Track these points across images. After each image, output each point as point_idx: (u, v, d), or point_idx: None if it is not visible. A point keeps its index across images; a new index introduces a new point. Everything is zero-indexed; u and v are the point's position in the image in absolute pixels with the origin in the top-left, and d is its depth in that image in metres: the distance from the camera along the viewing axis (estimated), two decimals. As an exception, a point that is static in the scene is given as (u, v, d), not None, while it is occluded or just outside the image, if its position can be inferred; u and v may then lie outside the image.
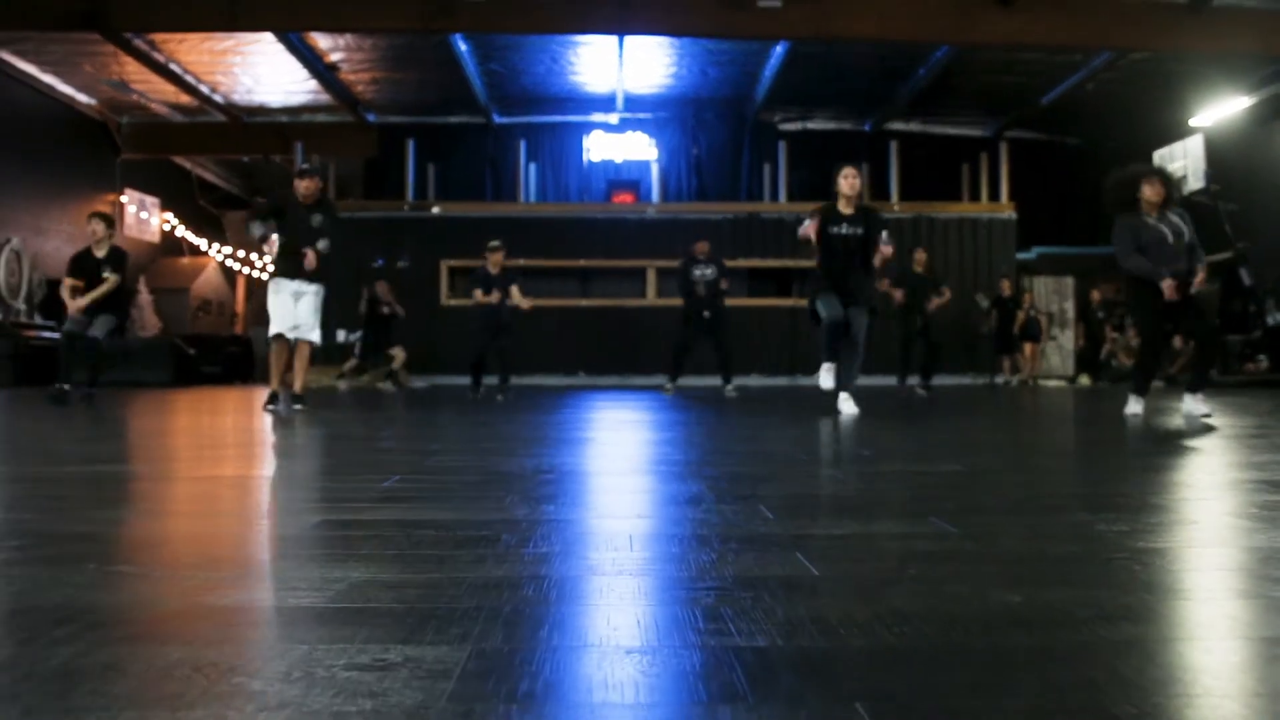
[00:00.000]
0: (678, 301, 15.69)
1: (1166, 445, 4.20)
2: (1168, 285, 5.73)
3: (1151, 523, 2.11)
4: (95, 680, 1.03)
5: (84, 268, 8.27)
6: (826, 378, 6.41)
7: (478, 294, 9.92)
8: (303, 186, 6.79)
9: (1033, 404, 8.73)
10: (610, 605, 1.37)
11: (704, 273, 10.73)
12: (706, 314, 10.58)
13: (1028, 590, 1.46)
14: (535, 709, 0.94)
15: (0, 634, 1.22)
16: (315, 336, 6.85)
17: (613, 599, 1.40)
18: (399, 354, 13.68)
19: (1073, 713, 0.95)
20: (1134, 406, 6.01)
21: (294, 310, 6.73)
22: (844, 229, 6.45)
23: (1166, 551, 1.80)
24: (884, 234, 6.49)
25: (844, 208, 6.50)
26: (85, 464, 3.43)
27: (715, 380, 10.98)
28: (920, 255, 11.82)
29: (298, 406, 6.66)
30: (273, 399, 6.74)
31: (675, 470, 3.10)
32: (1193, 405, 5.76)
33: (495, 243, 10.21)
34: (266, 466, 3.42)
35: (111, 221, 8.65)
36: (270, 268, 7.08)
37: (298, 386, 6.89)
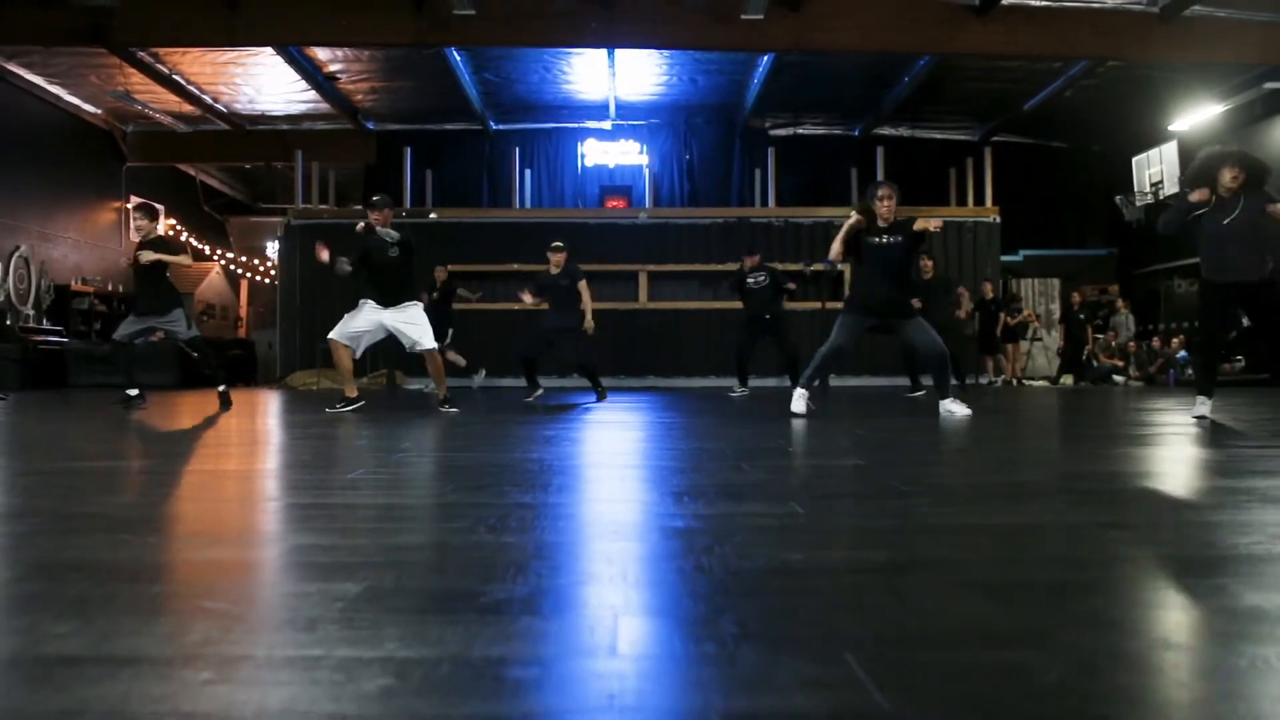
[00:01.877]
0: (672, 304, 16.28)
1: (1077, 441, 4.63)
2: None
3: (974, 506, 2.55)
4: (99, 603, 1.48)
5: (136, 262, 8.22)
6: (799, 403, 6.53)
7: (526, 297, 9.74)
8: (375, 218, 7.27)
9: (1004, 403, 9.15)
10: (485, 560, 1.81)
11: (757, 279, 11.14)
12: (767, 317, 11.03)
13: (811, 551, 1.90)
14: (395, 616, 1.38)
15: (30, 577, 1.67)
16: (429, 343, 7.24)
17: (490, 556, 1.84)
18: (458, 356, 13.65)
19: (782, 620, 1.39)
20: (1200, 409, 5.96)
21: (377, 329, 7.21)
22: (883, 239, 6.54)
23: (958, 527, 2.23)
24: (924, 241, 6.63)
25: (881, 222, 6.59)
26: (95, 460, 3.88)
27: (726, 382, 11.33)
28: (927, 263, 11.92)
29: (445, 408, 7.16)
30: (347, 402, 7.19)
31: (607, 465, 3.54)
32: None
33: (558, 243, 9.86)
34: (253, 462, 3.87)
35: (153, 213, 8.61)
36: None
37: (441, 393, 7.40)
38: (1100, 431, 5.27)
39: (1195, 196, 5.93)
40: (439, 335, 13.32)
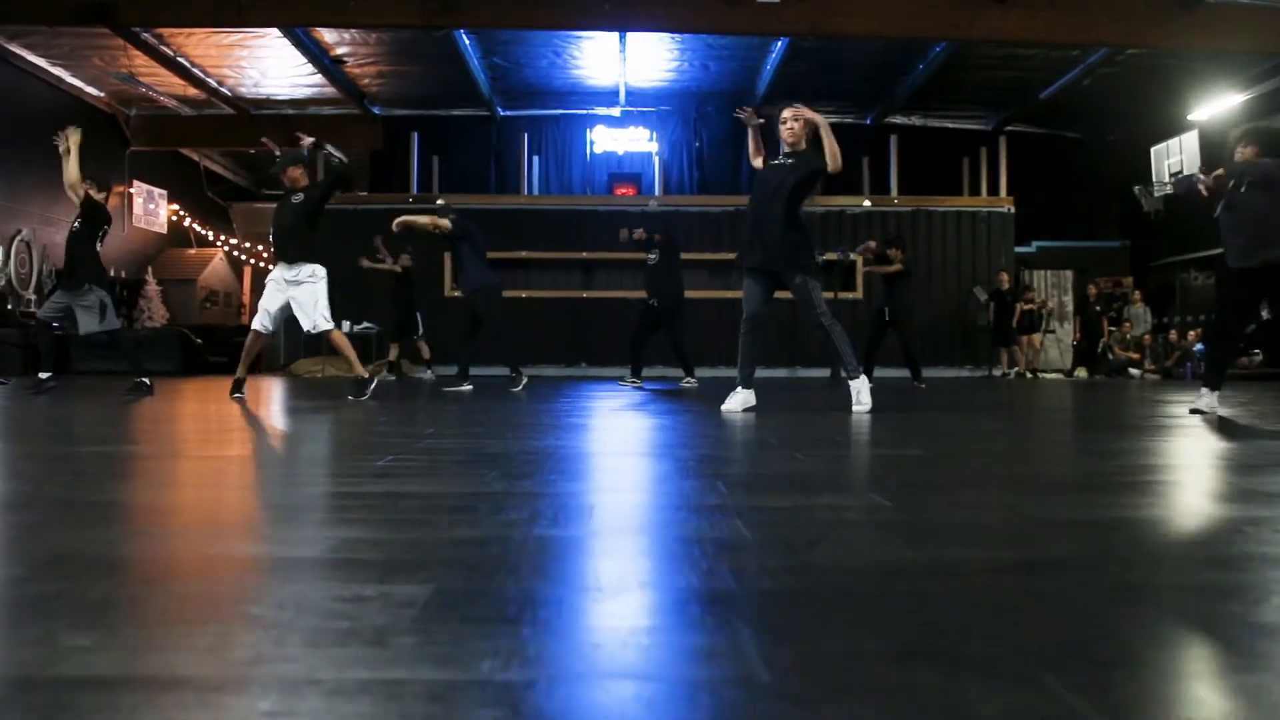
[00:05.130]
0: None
1: (1128, 432, 4.41)
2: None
3: (1071, 500, 2.33)
4: (123, 608, 1.25)
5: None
6: (733, 400, 5.68)
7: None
8: (284, 180, 7.07)
9: (1023, 396, 8.93)
10: (564, 558, 1.59)
11: (649, 257, 10.07)
12: (654, 303, 9.95)
13: (929, 550, 1.68)
14: (481, 629, 1.16)
15: (41, 576, 1.45)
16: (324, 325, 6.77)
17: (568, 554, 1.63)
18: (394, 351, 13.71)
19: (920, 636, 1.17)
20: (1202, 401, 5.59)
21: (281, 303, 6.80)
22: (772, 165, 5.78)
23: (1074, 523, 2.01)
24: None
25: (786, 146, 5.78)
26: (103, 444, 3.66)
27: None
28: (893, 252, 11.37)
29: (351, 397, 6.74)
30: (236, 386, 6.87)
31: (649, 452, 3.32)
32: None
33: (441, 202, 9.42)
34: (271, 448, 3.65)
35: (101, 182, 7.82)
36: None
37: (357, 371, 6.91)
38: (1138, 424, 5.06)
39: (1238, 156, 5.62)
40: (409, 326, 13.25)
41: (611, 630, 1.18)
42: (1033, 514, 2.09)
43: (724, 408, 5.68)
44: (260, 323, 6.88)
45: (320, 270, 6.85)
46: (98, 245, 7.70)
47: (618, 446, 3.65)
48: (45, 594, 1.33)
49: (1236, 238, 5.59)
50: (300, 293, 6.78)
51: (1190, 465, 3.16)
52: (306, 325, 6.81)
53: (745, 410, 5.60)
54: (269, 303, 6.87)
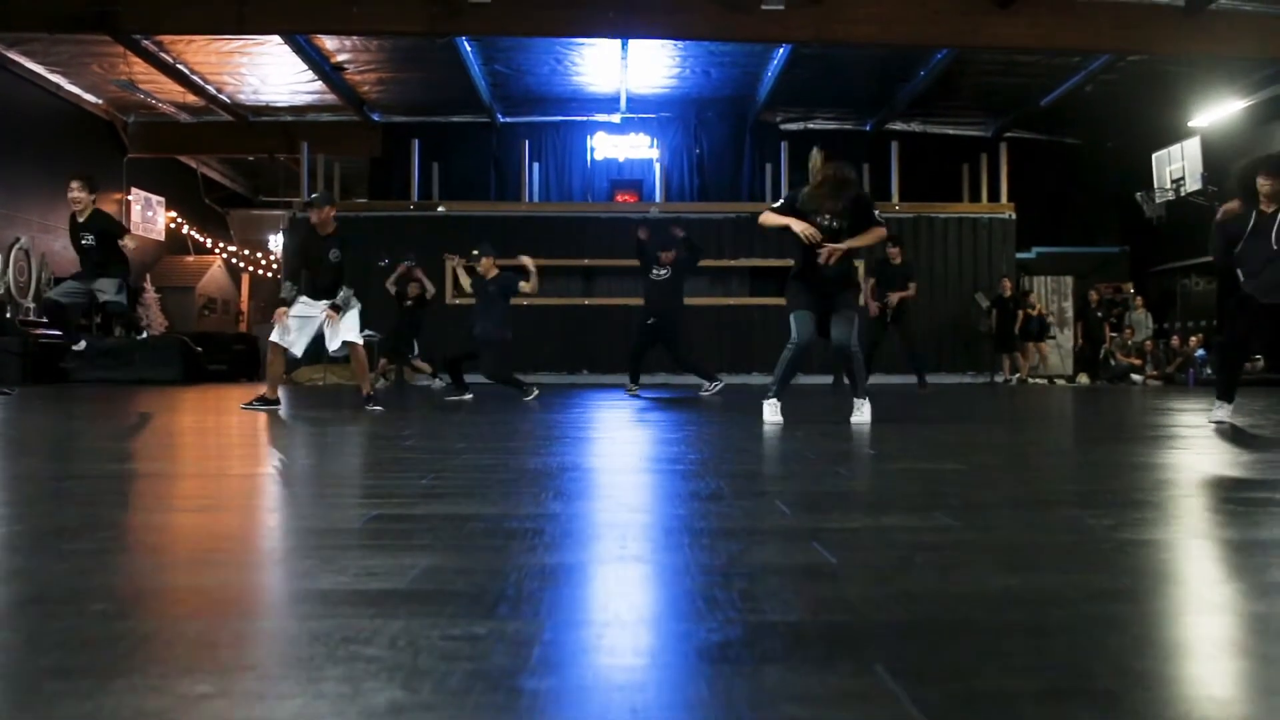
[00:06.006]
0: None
1: (1155, 443, 4.39)
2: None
3: (1137, 517, 2.30)
4: (229, 648, 1.21)
5: (72, 237, 7.87)
6: (771, 412, 5.69)
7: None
8: (314, 217, 6.99)
9: (1030, 403, 8.92)
10: (661, 588, 1.55)
11: (659, 274, 9.98)
12: (651, 320, 9.98)
13: (1023, 575, 1.65)
14: (611, 669, 1.12)
15: (129, 612, 1.41)
16: (353, 337, 6.87)
17: (661, 583, 1.59)
18: (382, 363, 13.55)
19: (1062, 673, 1.13)
20: (1218, 413, 5.58)
21: (312, 325, 6.88)
22: (825, 220, 5.60)
23: (1151, 542, 1.98)
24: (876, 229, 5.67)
25: (830, 213, 5.67)
26: (136, 462, 3.61)
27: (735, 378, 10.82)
28: (893, 250, 11.97)
29: (370, 408, 6.75)
30: (263, 401, 6.85)
31: (692, 469, 3.28)
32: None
33: (480, 249, 9.05)
34: (311, 465, 3.60)
35: (92, 183, 7.91)
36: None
37: (365, 390, 7.04)
38: (1158, 434, 5.04)
39: (1221, 214, 5.66)
40: (406, 345, 13.17)
41: (753, 671, 1.14)
42: (1104, 535, 2.05)
43: (769, 420, 5.64)
44: (283, 340, 6.84)
45: (355, 300, 6.95)
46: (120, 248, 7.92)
47: (656, 463, 3.61)
48: (141, 632, 1.29)
49: (1255, 275, 5.49)
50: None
51: (1233, 479, 3.13)
52: (333, 345, 6.88)
53: (773, 419, 5.61)
54: (298, 321, 6.88)
